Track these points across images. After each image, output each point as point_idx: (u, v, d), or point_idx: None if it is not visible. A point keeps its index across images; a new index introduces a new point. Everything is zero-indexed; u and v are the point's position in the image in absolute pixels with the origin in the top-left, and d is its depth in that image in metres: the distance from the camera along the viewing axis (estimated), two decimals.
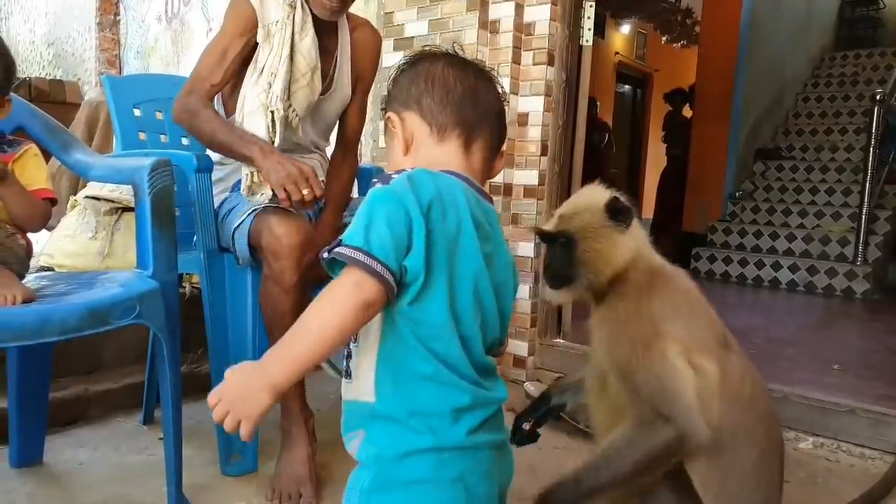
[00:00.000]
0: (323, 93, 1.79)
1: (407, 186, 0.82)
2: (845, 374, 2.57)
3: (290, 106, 1.68)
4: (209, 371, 1.77)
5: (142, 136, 2.02)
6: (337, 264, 0.81)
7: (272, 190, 1.53)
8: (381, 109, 1.01)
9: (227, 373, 0.79)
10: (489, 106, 0.96)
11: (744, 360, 1.16)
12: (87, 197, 2.34)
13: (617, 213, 1.15)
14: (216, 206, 1.72)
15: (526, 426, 1.36)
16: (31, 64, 4.72)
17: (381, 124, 2.66)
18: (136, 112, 2.03)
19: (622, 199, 1.16)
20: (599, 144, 7.55)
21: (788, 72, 6.99)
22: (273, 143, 1.65)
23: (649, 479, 1.10)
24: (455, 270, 0.83)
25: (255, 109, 1.65)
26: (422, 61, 0.97)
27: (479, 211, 0.88)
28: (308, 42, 1.70)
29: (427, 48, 1.01)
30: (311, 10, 1.72)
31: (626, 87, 10.19)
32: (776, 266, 5.19)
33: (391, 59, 2.67)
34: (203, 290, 1.71)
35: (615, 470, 1.08)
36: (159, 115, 2.08)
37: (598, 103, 7.73)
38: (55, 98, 3.97)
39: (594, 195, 1.20)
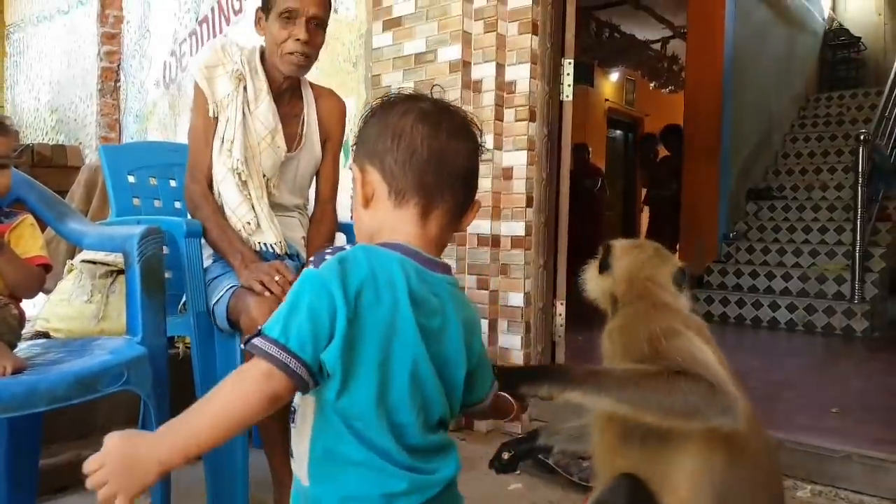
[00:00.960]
0: (293, 150, 1.91)
1: (336, 271, 0.80)
2: (843, 417, 2.56)
3: (258, 168, 1.81)
4: None
5: (136, 201, 2.08)
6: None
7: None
8: (352, 146, 0.98)
9: (113, 438, 0.74)
10: (456, 169, 0.89)
11: (750, 410, 1.13)
12: (83, 261, 2.38)
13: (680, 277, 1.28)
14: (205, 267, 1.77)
15: (506, 455, 1.43)
16: (34, 130, 4.85)
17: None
18: (131, 178, 2.09)
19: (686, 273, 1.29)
20: (593, 189, 7.66)
21: (775, 113, 7.14)
22: (251, 204, 1.78)
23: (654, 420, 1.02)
24: (390, 356, 0.81)
25: (224, 176, 1.78)
26: (395, 110, 0.91)
27: (421, 286, 0.85)
28: (263, 108, 1.83)
29: (406, 93, 0.95)
30: (268, 82, 1.85)
31: (618, 132, 10.38)
32: (773, 306, 5.20)
33: None
34: (193, 353, 1.74)
35: (631, 387, 1.02)
36: (153, 181, 2.15)
37: (590, 149, 7.88)
38: (56, 162, 4.07)
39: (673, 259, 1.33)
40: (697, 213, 6.55)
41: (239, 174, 1.77)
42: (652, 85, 9.64)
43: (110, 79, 4.21)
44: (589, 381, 1.05)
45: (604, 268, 1.34)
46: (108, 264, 2.39)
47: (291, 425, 0.87)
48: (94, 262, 2.39)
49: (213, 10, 3.55)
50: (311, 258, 0.85)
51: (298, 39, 1.78)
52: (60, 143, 4.42)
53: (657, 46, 8.97)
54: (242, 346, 0.83)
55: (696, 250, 6.25)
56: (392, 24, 2.70)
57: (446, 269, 0.92)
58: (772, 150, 7.07)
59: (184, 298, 1.87)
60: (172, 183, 2.17)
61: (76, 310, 2.37)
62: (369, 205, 0.91)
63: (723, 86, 6.50)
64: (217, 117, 1.81)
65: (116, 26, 4.19)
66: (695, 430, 1.03)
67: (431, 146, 0.88)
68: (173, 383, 1.86)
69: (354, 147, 0.95)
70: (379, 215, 0.90)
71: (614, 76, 9.72)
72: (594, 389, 1.04)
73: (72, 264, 2.50)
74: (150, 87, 3.99)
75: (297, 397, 0.86)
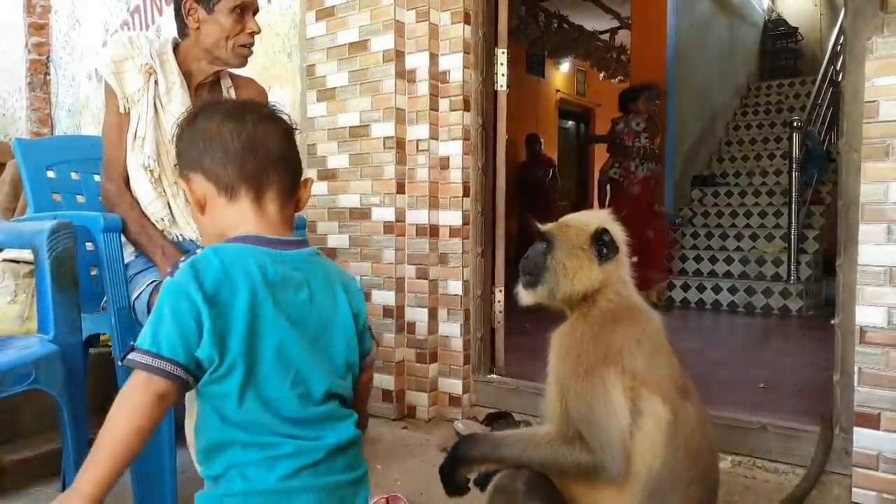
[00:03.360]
0: None
1: (189, 276, 0.86)
2: (769, 392, 2.66)
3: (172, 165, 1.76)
4: None
5: (56, 197, 2.02)
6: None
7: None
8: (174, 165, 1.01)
9: None
10: (273, 151, 0.96)
11: (699, 414, 1.18)
12: (5, 260, 2.30)
13: (600, 244, 1.20)
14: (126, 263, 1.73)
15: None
16: None
17: (310, 172, 2.71)
18: (50, 174, 2.02)
19: (612, 234, 1.22)
20: (545, 180, 7.74)
21: (717, 101, 7.31)
22: (167, 200, 1.76)
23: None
24: (256, 341, 0.87)
25: (137, 173, 1.75)
26: (199, 118, 0.98)
27: (278, 268, 0.91)
28: (177, 103, 1.79)
29: (205, 102, 1.02)
30: (182, 74, 1.81)
31: (570, 122, 10.49)
32: (716, 289, 5.35)
33: (315, 109, 2.74)
34: (115, 352, 1.70)
35: (525, 457, 1.16)
36: (75, 176, 2.08)
37: (542, 140, 7.95)
38: None
39: (593, 220, 1.25)
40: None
41: (151, 171, 1.74)
42: (601, 75, 9.76)
43: (40, 71, 4.06)
44: (499, 454, 1.20)
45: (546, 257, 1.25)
46: (31, 263, 2.31)
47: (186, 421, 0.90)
48: (16, 262, 2.31)
49: None
50: (169, 269, 0.91)
51: (253, 31, 1.79)
52: None
53: (605, 37, 9.08)
54: (120, 363, 0.87)
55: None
56: (325, 13, 2.67)
57: (301, 244, 0.98)
58: (715, 137, 7.24)
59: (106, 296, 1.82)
60: (96, 178, 2.10)
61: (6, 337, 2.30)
62: (205, 210, 0.97)
63: (667, 76, 6.62)
64: (129, 112, 1.77)
65: (44, 16, 4.03)
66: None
67: (242, 137, 0.94)
68: (103, 382, 1.83)
69: (176, 165, 1.01)
70: (218, 215, 0.96)
71: (565, 67, 9.82)
72: (505, 460, 1.19)
73: None
74: (82, 79, 3.86)
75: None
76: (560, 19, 8.05)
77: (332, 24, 2.66)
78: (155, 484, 1.69)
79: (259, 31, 1.81)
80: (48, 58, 4.06)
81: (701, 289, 5.42)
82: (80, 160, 2.09)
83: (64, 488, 1.95)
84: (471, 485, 1.29)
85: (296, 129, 1.02)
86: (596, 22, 8.60)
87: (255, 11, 1.82)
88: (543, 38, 8.07)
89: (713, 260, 5.63)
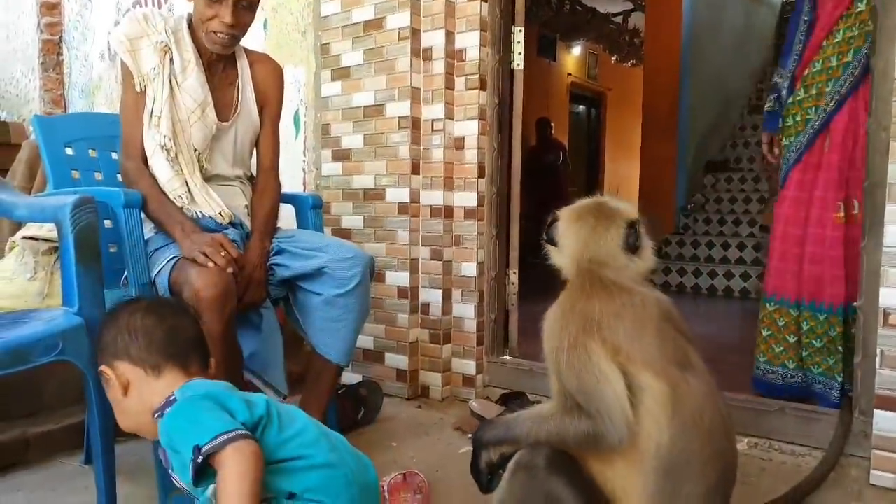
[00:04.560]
0: (230, 118, 1.89)
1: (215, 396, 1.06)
2: None
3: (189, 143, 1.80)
4: None
5: (75, 174, 2.03)
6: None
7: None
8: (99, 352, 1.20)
9: None
10: (189, 334, 1.19)
11: (706, 385, 1.17)
12: (24, 237, 2.32)
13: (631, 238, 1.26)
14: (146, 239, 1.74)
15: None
16: None
17: (324, 152, 2.71)
18: (69, 151, 2.03)
19: (641, 227, 1.28)
20: (555, 163, 7.70)
21: (732, 86, 7.23)
22: (184, 178, 1.78)
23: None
24: None
25: (154, 151, 1.76)
26: (122, 315, 1.17)
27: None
28: (192, 81, 1.80)
29: (122, 302, 1.22)
30: (197, 51, 1.82)
31: (581, 107, 10.42)
32: (728, 275, 5.33)
33: (329, 88, 2.73)
34: None
35: (533, 434, 1.20)
36: (93, 153, 2.09)
37: (553, 124, 7.91)
38: None
39: (624, 213, 1.30)
40: (655, 185, 6.64)
41: (168, 150, 1.74)
42: (613, 59, 9.68)
43: (52, 52, 4.06)
44: (513, 434, 1.24)
45: (551, 243, 1.32)
46: (50, 240, 2.32)
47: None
48: (36, 239, 2.33)
49: None
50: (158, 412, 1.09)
51: (224, 21, 1.75)
52: (2, 120, 4.27)
53: (618, 20, 8.99)
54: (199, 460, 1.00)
55: (654, 222, 6.35)
56: None
57: None
58: (729, 122, 7.17)
59: (126, 272, 1.83)
60: (114, 155, 2.11)
61: (19, 287, 2.31)
62: (128, 393, 1.15)
63: (681, 59, 6.56)
64: (145, 91, 1.78)
65: None
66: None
67: (162, 327, 1.16)
68: None
69: (99, 357, 1.18)
70: (145, 392, 1.14)
71: (576, 50, 9.74)
72: (518, 440, 1.24)
73: (13, 241, 2.43)
74: (94, 60, 3.86)
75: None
76: (572, 1, 7.96)
77: (346, 2, 2.64)
78: None
79: (233, 23, 1.74)
80: (61, 38, 4.06)
81: (713, 275, 5.40)
82: (97, 137, 2.10)
83: (87, 461, 1.99)
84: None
85: (197, 317, 1.28)
86: (609, 4, 8.51)
87: (245, 3, 1.76)
88: (555, 19, 7.99)
89: (725, 246, 5.59)
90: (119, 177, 2.09)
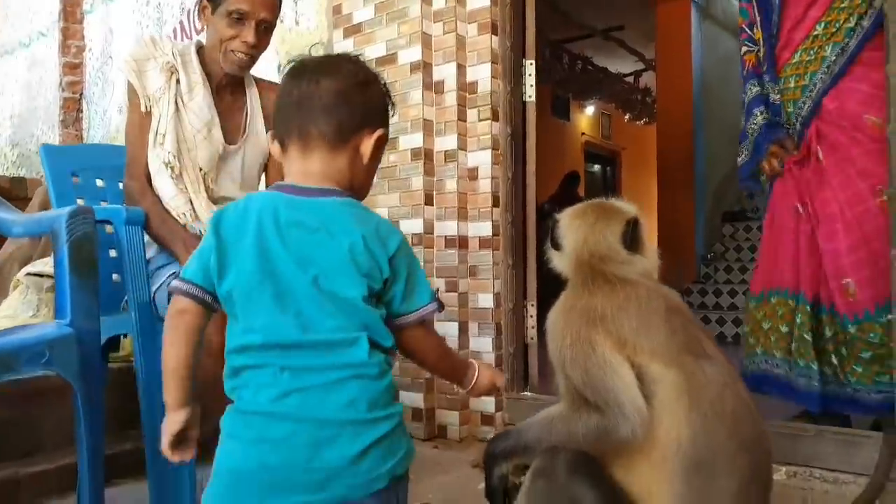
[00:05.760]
0: (237, 141, 1.88)
1: (214, 218, 1.01)
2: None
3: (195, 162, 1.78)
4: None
5: (80, 202, 1.99)
6: None
7: None
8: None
9: None
10: (318, 102, 1.00)
11: (725, 373, 1.10)
12: (28, 274, 2.27)
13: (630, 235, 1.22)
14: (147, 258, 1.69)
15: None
16: None
17: None
18: (75, 180, 2.01)
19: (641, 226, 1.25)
20: None
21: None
22: (188, 197, 1.75)
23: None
24: (258, 274, 0.94)
25: (158, 170, 1.74)
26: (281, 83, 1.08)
27: (292, 212, 0.97)
28: (199, 101, 1.80)
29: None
30: (205, 74, 1.83)
31: (596, 166, 10.48)
32: None
33: None
34: (135, 352, 1.63)
35: (545, 438, 1.14)
36: (100, 183, 2.06)
37: (580, 178, 7.87)
38: (17, 195, 3.95)
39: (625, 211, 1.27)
40: (675, 236, 6.56)
41: (172, 168, 1.73)
42: (626, 117, 9.78)
43: (73, 109, 4.15)
44: (524, 441, 1.18)
45: (555, 246, 1.29)
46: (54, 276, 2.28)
47: None
48: (40, 276, 2.28)
49: (174, 30, 3.53)
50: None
51: (246, 42, 1.77)
52: (22, 176, 4.33)
53: (630, 80, 9.13)
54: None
55: (675, 272, 6.23)
56: (352, 30, 2.69)
57: (327, 192, 1.00)
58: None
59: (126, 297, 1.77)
60: (121, 185, 2.08)
61: (21, 324, 2.25)
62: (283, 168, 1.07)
63: (693, 114, 6.59)
64: (150, 111, 1.77)
65: (78, 56, 4.15)
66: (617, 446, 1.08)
67: (292, 93, 1.02)
68: (125, 397, 1.77)
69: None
70: (284, 167, 1.05)
71: (590, 110, 9.87)
72: (530, 447, 1.18)
73: (17, 279, 2.39)
74: (112, 113, 3.94)
75: None
76: (584, 61, 8.11)
77: (358, 41, 2.67)
78: (171, 502, 1.60)
79: (255, 44, 1.77)
80: (81, 95, 4.16)
81: (737, 322, 5.21)
82: (105, 167, 2.08)
83: (79, 502, 1.87)
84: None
85: (357, 78, 1.04)
86: (620, 64, 8.67)
87: (265, 26, 1.79)
88: (568, 79, 8.12)
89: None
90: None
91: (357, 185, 1.05)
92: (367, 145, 1.03)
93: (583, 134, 9.82)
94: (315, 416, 0.88)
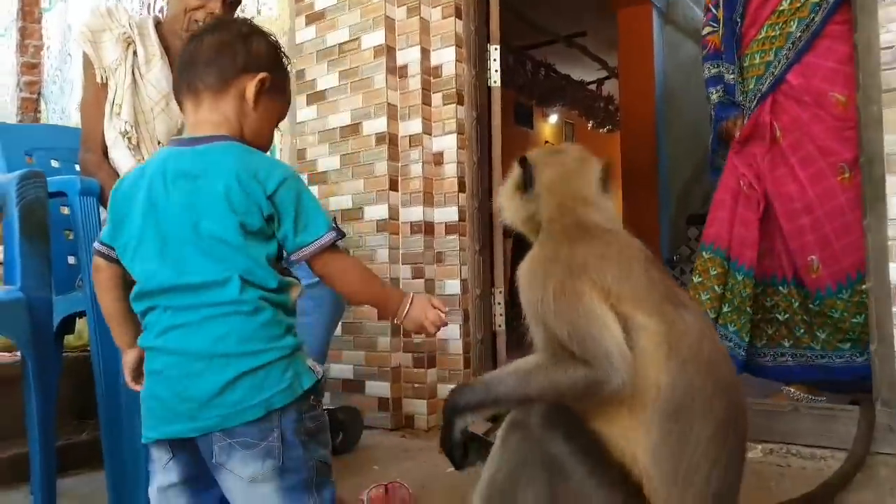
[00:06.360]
0: None
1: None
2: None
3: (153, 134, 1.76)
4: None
5: None
6: None
7: None
8: None
9: None
10: (202, 56, 1.06)
11: (702, 322, 1.09)
12: None
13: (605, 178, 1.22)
14: None
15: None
16: None
17: (294, 140, 2.66)
18: (29, 160, 1.95)
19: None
20: None
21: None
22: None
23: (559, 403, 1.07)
24: (146, 226, 1.00)
25: (115, 141, 1.72)
26: None
27: (177, 163, 1.01)
28: (156, 72, 1.78)
29: None
30: (163, 48, 1.80)
31: None
32: None
33: (305, 113, 2.70)
34: (91, 333, 1.57)
35: (521, 391, 1.06)
36: (55, 164, 2.00)
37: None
38: None
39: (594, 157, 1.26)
40: (640, 239, 6.61)
41: (129, 138, 1.70)
42: (590, 125, 9.89)
43: (30, 109, 4.05)
44: (494, 394, 1.10)
45: (527, 186, 1.22)
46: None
47: None
48: None
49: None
50: None
51: (212, 13, 1.74)
52: None
53: (593, 87, 9.25)
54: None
55: None
56: (315, 17, 2.67)
57: (213, 139, 1.04)
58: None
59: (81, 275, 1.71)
60: (77, 167, 2.03)
61: None
62: None
63: (656, 120, 6.70)
64: (107, 83, 1.74)
65: (37, 55, 4.06)
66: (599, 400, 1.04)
67: (183, 56, 1.09)
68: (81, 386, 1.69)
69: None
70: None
71: (553, 119, 9.97)
72: (501, 400, 1.10)
73: None
74: (72, 111, 3.84)
75: None
76: (547, 67, 8.20)
77: (321, 27, 2.65)
78: (128, 491, 1.54)
79: (221, 16, 1.74)
80: (39, 94, 4.06)
81: None
82: (61, 149, 2.02)
83: (32, 494, 1.78)
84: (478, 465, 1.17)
85: (240, 29, 1.10)
86: (583, 72, 8.79)
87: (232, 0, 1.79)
88: (531, 85, 8.20)
89: None
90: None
91: (250, 133, 1.08)
92: (250, 89, 1.06)
93: (546, 142, 9.91)
94: (187, 349, 0.96)
